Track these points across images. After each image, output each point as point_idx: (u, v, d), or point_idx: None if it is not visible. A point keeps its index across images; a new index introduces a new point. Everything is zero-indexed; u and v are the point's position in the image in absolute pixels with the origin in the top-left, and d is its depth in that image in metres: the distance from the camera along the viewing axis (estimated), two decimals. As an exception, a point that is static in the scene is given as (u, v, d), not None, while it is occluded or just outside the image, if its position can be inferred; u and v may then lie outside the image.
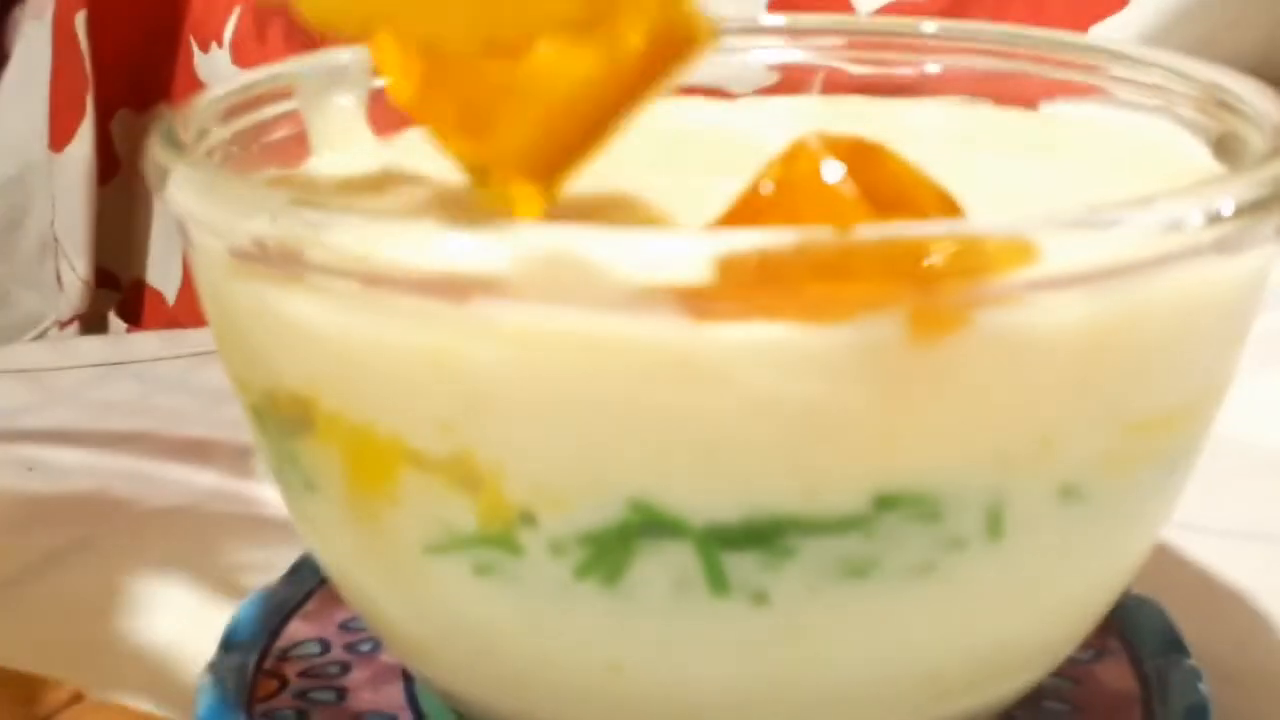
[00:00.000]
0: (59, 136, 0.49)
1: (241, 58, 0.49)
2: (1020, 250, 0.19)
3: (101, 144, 0.51)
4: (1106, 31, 0.46)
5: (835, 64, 0.33)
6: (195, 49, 0.50)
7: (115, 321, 0.55)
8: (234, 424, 0.42)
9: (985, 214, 0.21)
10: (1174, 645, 0.29)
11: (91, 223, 0.50)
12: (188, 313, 0.52)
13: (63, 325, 0.54)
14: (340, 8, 0.23)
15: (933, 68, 0.32)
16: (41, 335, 0.55)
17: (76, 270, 0.50)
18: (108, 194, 0.51)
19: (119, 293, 0.54)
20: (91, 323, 0.53)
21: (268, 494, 0.37)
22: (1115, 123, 0.29)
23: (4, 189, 0.58)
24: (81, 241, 0.50)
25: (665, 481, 0.21)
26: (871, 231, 0.19)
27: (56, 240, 0.52)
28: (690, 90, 0.33)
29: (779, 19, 0.33)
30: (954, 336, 0.20)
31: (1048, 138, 0.29)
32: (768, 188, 0.21)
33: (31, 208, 0.56)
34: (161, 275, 0.52)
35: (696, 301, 0.19)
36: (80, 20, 0.50)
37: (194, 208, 0.23)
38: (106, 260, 0.52)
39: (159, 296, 0.53)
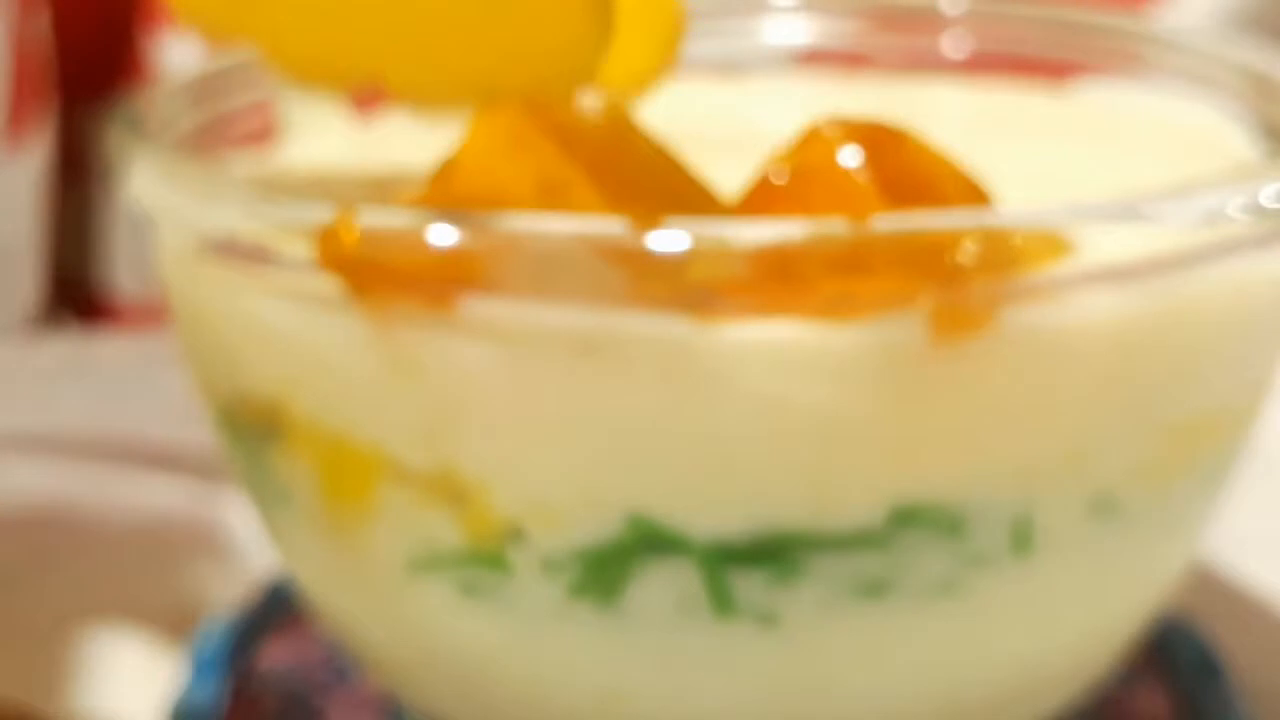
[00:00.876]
0: (13, 139, 0.49)
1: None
2: (1051, 243, 0.19)
3: (68, 144, 0.51)
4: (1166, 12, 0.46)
5: (854, 44, 0.32)
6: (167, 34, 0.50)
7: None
8: (202, 429, 0.42)
9: (1013, 204, 0.20)
10: (1209, 667, 0.29)
11: (47, 227, 0.51)
12: (147, 316, 0.52)
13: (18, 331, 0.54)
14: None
15: (956, 49, 0.32)
16: None
17: (32, 276, 0.51)
18: (67, 189, 0.52)
19: (79, 292, 0.54)
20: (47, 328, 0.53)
21: (238, 506, 0.37)
22: (1152, 107, 0.29)
23: None
24: (36, 247, 0.51)
25: (666, 495, 0.21)
26: (890, 223, 0.19)
27: (8, 247, 0.53)
28: (702, 71, 0.33)
29: None
30: (978, 337, 0.20)
31: (1079, 123, 0.29)
32: (780, 176, 0.21)
33: None
34: (124, 279, 0.52)
35: (701, 299, 0.19)
36: None
37: (159, 198, 0.23)
38: (66, 263, 0.53)
39: (122, 301, 0.53)
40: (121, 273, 0.53)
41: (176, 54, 0.51)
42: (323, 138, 0.30)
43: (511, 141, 0.21)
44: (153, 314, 0.52)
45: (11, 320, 0.51)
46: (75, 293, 0.54)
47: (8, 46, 0.48)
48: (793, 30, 0.33)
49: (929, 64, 0.32)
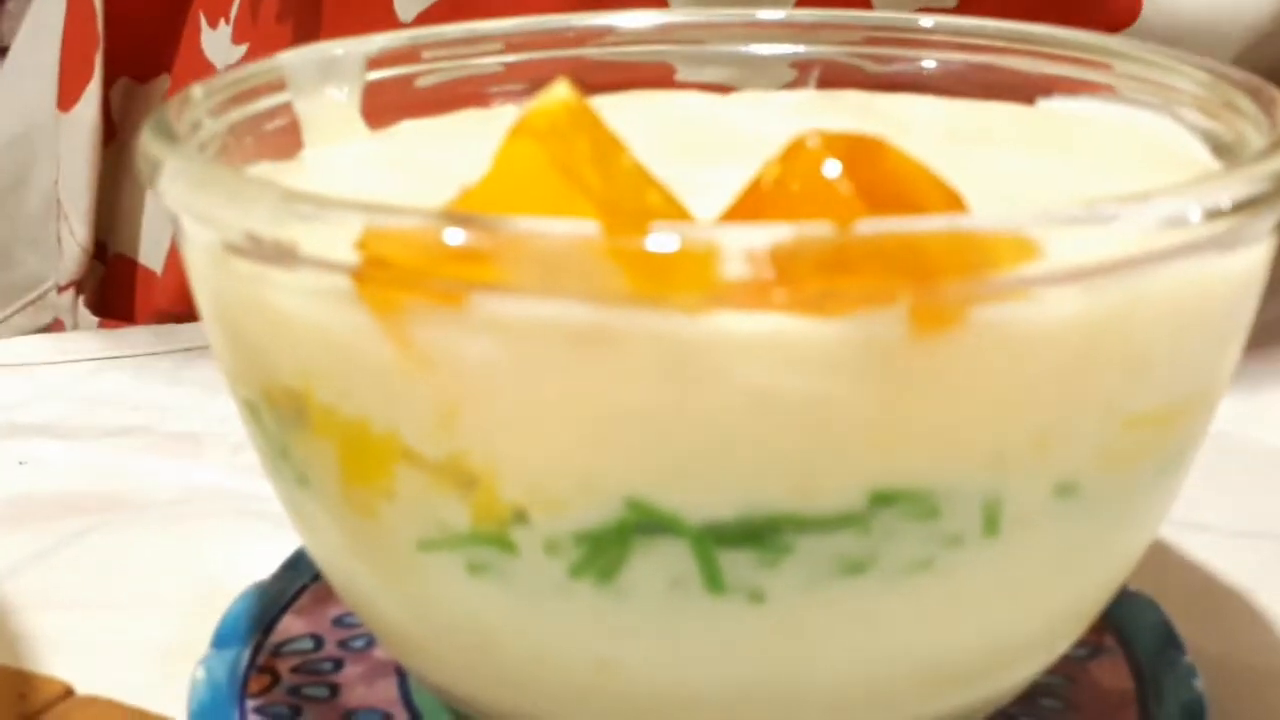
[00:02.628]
0: (67, 95, 0.49)
1: (238, 34, 0.49)
2: (1020, 246, 0.19)
3: (103, 109, 0.50)
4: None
5: (835, 58, 0.32)
6: (204, 24, 0.50)
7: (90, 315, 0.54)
8: (227, 419, 0.42)
9: (985, 210, 0.20)
10: (1170, 642, 0.29)
11: (94, 187, 0.50)
12: (169, 293, 0.51)
13: (61, 290, 0.53)
14: None
15: (931, 63, 0.32)
16: (41, 299, 0.54)
17: (76, 235, 0.50)
18: (101, 161, 0.51)
19: (104, 265, 0.53)
20: (87, 293, 0.52)
21: (260, 489, 0.37)
22: (1115, 120, 0.29)
23: (10, 146, 0.57)
24: (83, 206, 0.50)
25: (662, 480, 0.21)
26: (871, 227, 0.19)
27: (59, 202, 0.52)
28: (691, 85, 0.33)
29: (778, 13, 0.33)
30: (953, 332, 0.20)
31: (1048, 134, 0.29)
32: (769, 184, 0.21)
33: (37, 167, 0.55)
34: (150, 251, 0.52)
35: (695, 295, 0.19)
36: None
37: (188, 201, 0.23)
38: (97, 230, 0.52)
39: (146, 273, 0.52)
40: (147, 249, 0.52)
41: (218, 43, 0.50)
42: (342, 143, 0.30)
43: (571, 115, 0.21)
44: (171, 295, 0.51)
45: (59, 280, 0.51)
46: (106, 255, 0.53)
47: (68, 10, 0.48)
48: (779, 45, 0.33)
49: (906, 78, 0.32)
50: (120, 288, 0.52)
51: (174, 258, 0.51)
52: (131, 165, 0.52)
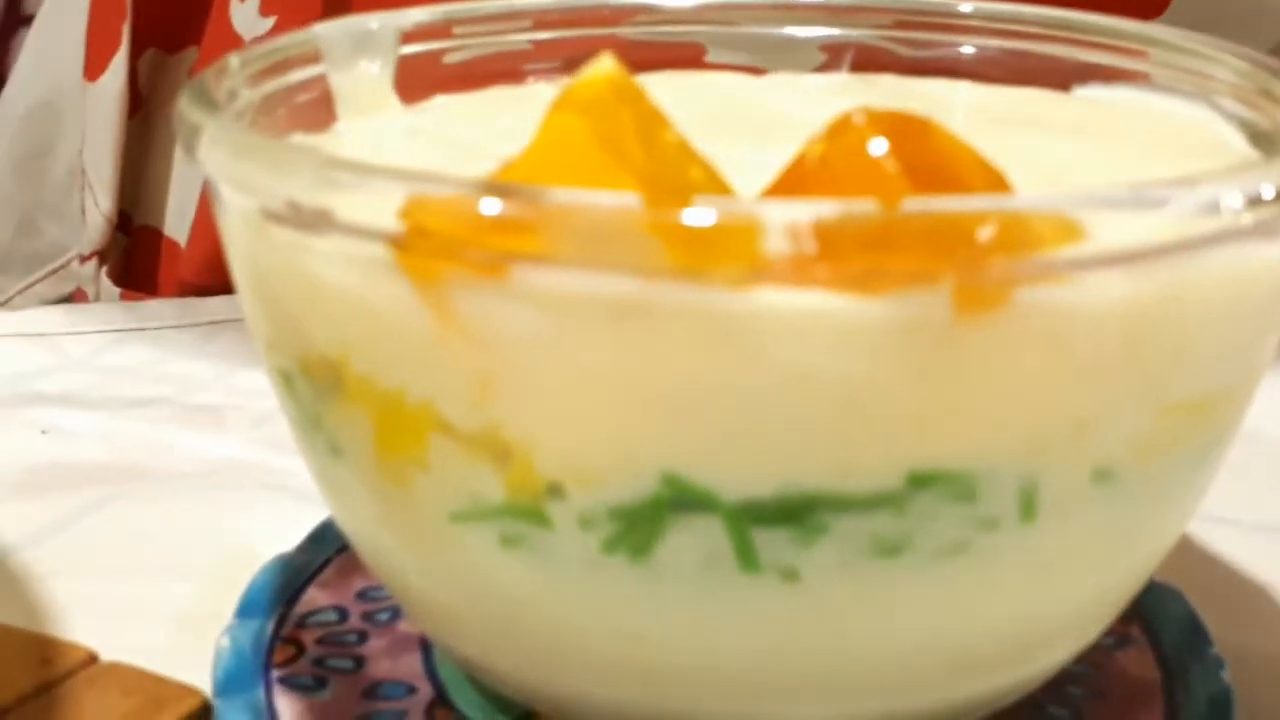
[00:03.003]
0: (94, 65, 0.49)
1: (266, 7, 0.49)
2: (1066, 228, 0.19)
3: (130, 79, 0.50)
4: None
5: (868, 42, 0.32)
6: None
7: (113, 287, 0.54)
8: (249, 391, 0.42)
9: (1029, 191, 0.20)
10: (1197, 634, 0.29)
11: (118, 157, 0.50)
12: (194, 264, 0.51)
13: (84, 260, 0.53)
14: None
15: (967, 49, 0.32)
16: (64, 268, 0.54)
17: (100, 205, 0.50)
18: (127, 132, 0.50)
19: (127, 236, 0.53)
20: (111, 264, 0.52)
21: (284, 462, 0.37)
22: (1153, 107, 0.29)
23: (36, 113, 0.56)
24: (107, 175, 0.50)
25: (698, 456, 0.21)
26: (917, 205, 0.19)
27: (84, 171, 0.51)
28: (724, 66, 0.33)
29: None
30: (996, 314, 0.20)
31: (1086, 121, 0.29)
32: (814, 161, 0.21)
33: (62, 135, 0.55)
34: (174, 223, 0.51)
35: (737, 270, 0.19)
36: None
37: (227, 168, 0.23)
38: (121, 201, 0.51)
39: (170, 244, 0.52)
40: (173, 220, 0.52)
41: (246, 16, 0.50)
42: (375, 116, 0.30)
43: (615, 90, 0.21)
44: (194, 266, 0.51)
45: (82, 249, 0.50)
46: (130, 226, 0.52)
47: None
48: (816, 29, 0.33)
49: (943, 63, 0.32)
50: (144, 259, 0.52)
51: (199, 229, 0.50)
52: (158, 136, 0.52)
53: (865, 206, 0.19)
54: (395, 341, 0.22)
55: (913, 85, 0.32)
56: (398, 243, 0.21)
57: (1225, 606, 0.32)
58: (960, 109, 0.30)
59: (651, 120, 0.21)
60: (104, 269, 0.52)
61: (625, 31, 0.33)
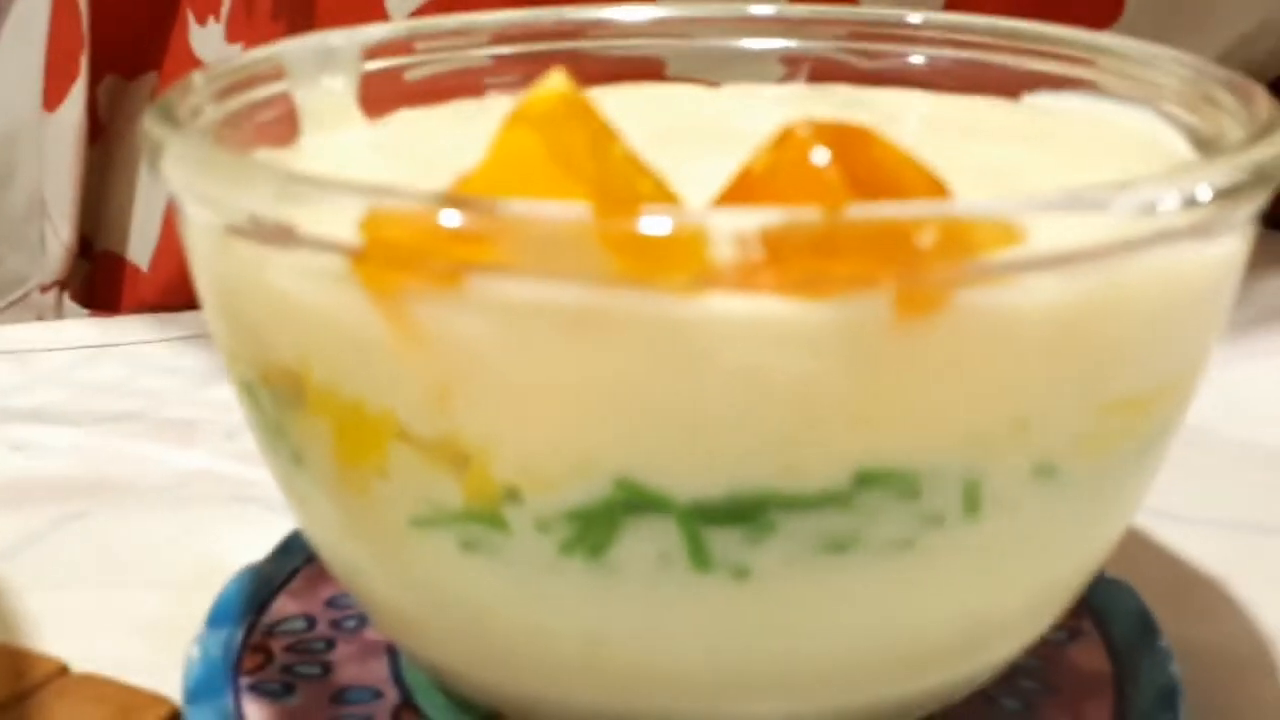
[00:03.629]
0: (53, 95, 0.49)
1: (232, 32, 0.49)
2: (1005, 231, 0.20)
3: (89, 107, 0.50)
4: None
5: (825, 53, 0.33)
6: (192, 21, 0.50)
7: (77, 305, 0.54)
8: (221, 406, 0.43)
9: (969, 196, 0.21)
10: (1146, 627, 0.29)
11: (78, 188, 0.50)
12: (156, 286, 0.51)
13: (44, 289, 0.53)
14: None
15: (919, 59, 0.32)
16: (24, 298, 0.54)
17: (60, 235, 0.50)
18: (89, 159, 0.51)
19: (89, 262, 0.53)
20: (73, 289, 0.52)
21: (254, 474, 0.37)
22: (1099, 114, 0.30)
23: None
24: (67, 205, 0.50)
25: (651, 459, 0.21)
26: (858, 212, 0.19)
27: (44, 201, 0.51)
28: (682, 79, 0.33)
29: (769, 9, 0.33)
30: (937, 316, 0.20)
31: (1033, 128, 0.29)
32: (759, 171, 0.21)
33: (21, 166, 0.55)
34: (136, 247, 0.51)
35: (686, 278, 0.20)
36: None
37: (190, 183, 0.23)
38: (82, 227, 0.52)
39: (133, 269, 0.52)
40: (135, 245, 0.52)
41: (207, 41, 0.50)
42: (339, 131, 0.30)
43: (566, 105, 0.21)
44: (159, 289, 0.51)
45: (42, 279, 0.51)
46: (92, 251, 0.53)
47: (52, 8, 0.48)
48: (769, 40, 0.33)
49: (893, 73, 0.33)
50: (106, 284, 0.52)
51: (161, 252, 0.51)
52: (118, 162, 0.52)
53: (809, 214, 0.19)
54: (355, 352, 0.22)
55: (865, 95, 0.32)
56: (357, 255, 0.21)
57: (1176, 601, 0.32)
58: (912, 118, 0.31)
59: (602, 134, 0.22)
60: (65, 295, 0.52)
61: (584, 45, 0.34)
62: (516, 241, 0.20)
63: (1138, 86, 0.30)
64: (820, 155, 0.21)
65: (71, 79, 0.48)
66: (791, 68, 0.33)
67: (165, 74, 0.52)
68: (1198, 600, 0.33)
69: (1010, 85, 0.31)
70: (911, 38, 0.33)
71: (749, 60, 0.34)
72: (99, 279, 0.52)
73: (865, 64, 0.33)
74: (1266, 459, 0.39)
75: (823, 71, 0.33)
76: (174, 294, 0.50)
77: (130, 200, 0.52)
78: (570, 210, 0.20)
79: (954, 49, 0.32)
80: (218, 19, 0.50)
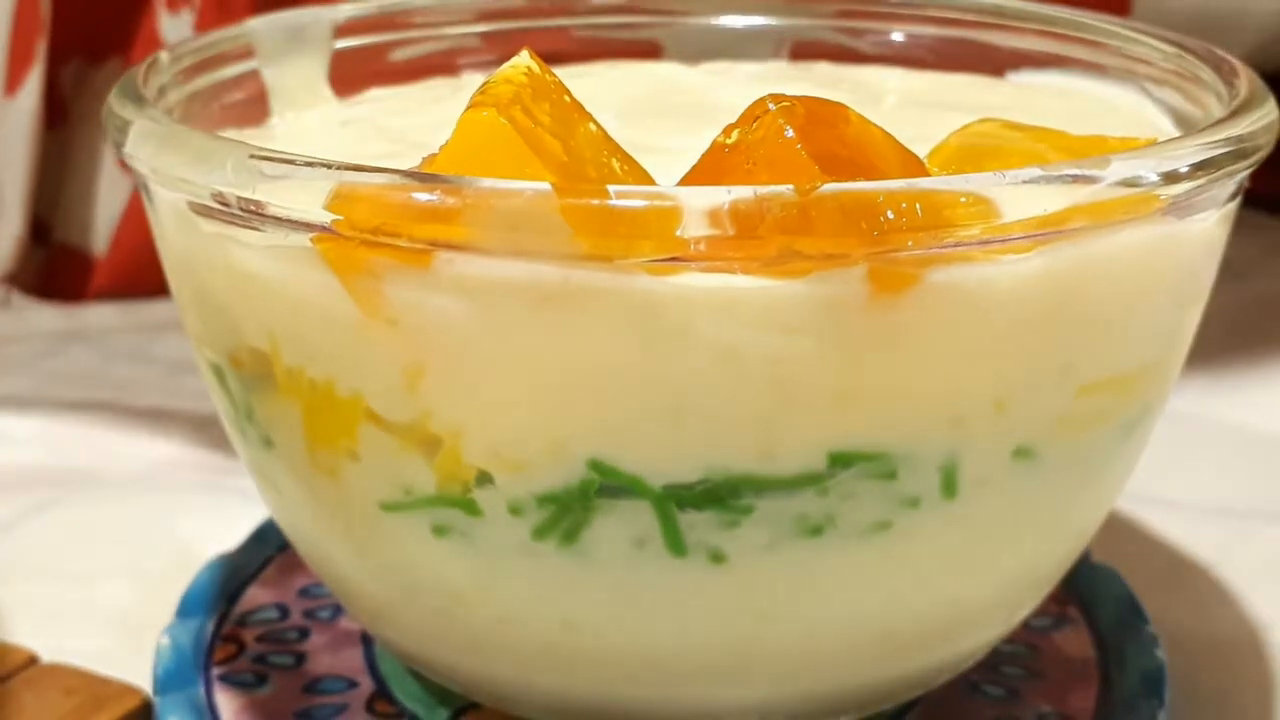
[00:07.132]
0: (11, 80, 0.49)
1: (203, 23, 0.50)
2: (978, 207, 0.20)
3: (50, 92, 0.50)
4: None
5: (809, 31, 0.33)
6: (163, 8, 0.50)
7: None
8: (192, 394, 0.43)
9: (942, 172, 0.21)
10: (1133, 613, 0.30)
11: (32, 176, 0.50)
12: (113, 271, 0.51)
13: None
14: None
15: (902, 37, 0.33)
16: None
17: (11, 226, 0.50)
18: (47, 143, 0.51)
19: (47, 250, 0.53)
20: (25, 280, 0.52)
21: (226, 463, 0.38)
22: (1082, 91, 0.30)
23: None
24: (20, 194, 0.50)
25: (624, 441, 0.22)
26: (830, 188, 0.20)
27: None
28: (657, 55, 0.33)
29: None
30: (912, 292, 0.20)
31: (1016, 105, 0.29)
32: (729, 147, 0.21)
33: None
34: (98, 235, 0.51)
35: (655, 254, 0.20)
36: None
37: (155, 161, 0.23)
38: (39, 213, 0.52)
39: (91, 257, 0.52)
40: (96, 233, 0.52)
41: (179, 29, 0.50)
42: (309, 110, 0.30)
43: (533, 83, 0.22)
44: (118, 278, 0.51)
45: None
46: (49, 239, 0.52)
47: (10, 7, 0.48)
48: (748, 17, 0.34)
49: (878, 51, 0.33)
50: (65, 272, 0.52)
51: (119, 237, 0.50)
52: (80, 147, 0.52)
53: (780, 190, 0.20)
54: (323, 332, 0.22)
55: (847, 72, 0.32)
56: (323, 233, 0.21)
57: (1164, 587, 0.33)
58: (893, 94, 0.31)
59: (570, 112, 0.22)
60: (14, 291, 0.52)
61: (563, 23, 0.34)
62: (482, 219, 0.20)
63: (1121, 65, 0.30)
64: (792, 130, 0.21)
65: (30, 64, 0.48)
66: (777, 45, 0.34)
67: (131, 60, 0.52)
68: (1185, 586, 0.33)
69: (995, 63, 0.32)
70: (896, 15, 0.33)
71: (733, 38, 0.34)
72: (57, 267, 0.52)
73: (850, 42, 0.33)
74: (1256, 444, 0.40)
75: (807, 49, 0.34)
76: (131, 279, 0.50)
77: (91, 187, 0.52)
78: (536, 186, 0.20)
79: (937, 26, 0.32)
80: (192, 9, 0.50)
